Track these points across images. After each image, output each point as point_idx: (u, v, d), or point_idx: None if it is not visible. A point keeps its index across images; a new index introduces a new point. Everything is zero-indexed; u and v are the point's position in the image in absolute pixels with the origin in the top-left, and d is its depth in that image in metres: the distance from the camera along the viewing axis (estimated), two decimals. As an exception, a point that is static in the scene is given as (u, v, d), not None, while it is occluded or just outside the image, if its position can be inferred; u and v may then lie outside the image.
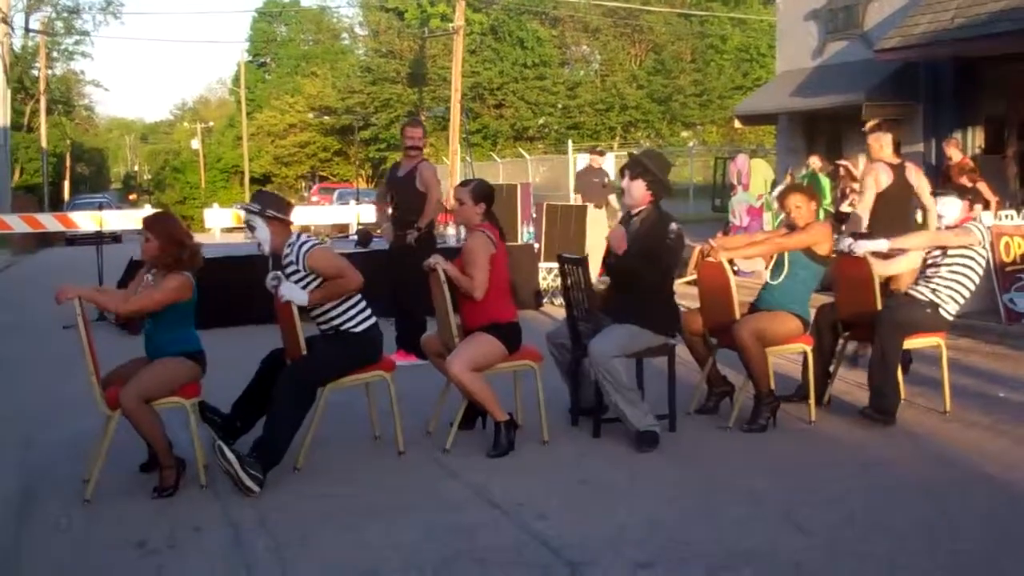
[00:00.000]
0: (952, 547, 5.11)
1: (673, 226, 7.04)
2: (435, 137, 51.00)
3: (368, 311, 6.83)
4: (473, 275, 6.96)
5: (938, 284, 7.57)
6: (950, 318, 7.60)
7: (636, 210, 7.20)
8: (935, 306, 7.52)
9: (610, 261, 7.26)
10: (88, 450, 6.49)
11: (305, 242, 6.64)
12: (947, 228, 7.74)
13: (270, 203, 6.76)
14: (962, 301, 7.60)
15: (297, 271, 6.59)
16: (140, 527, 5.62)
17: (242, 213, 6.78)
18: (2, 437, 7.73)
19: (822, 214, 15.54)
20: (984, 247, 7.65)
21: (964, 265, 7.54)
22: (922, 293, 7.60)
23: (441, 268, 6.96)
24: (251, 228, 6.71)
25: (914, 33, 16.69)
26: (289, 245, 6.63)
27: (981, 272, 7.67)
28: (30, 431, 7.84)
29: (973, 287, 7.64)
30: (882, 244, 7.64)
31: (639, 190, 7.15)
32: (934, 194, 8.27)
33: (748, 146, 40.83)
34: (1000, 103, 17.47)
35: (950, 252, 7.57)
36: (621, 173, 7.36)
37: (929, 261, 7.74)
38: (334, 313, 6.70)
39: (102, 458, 6.17)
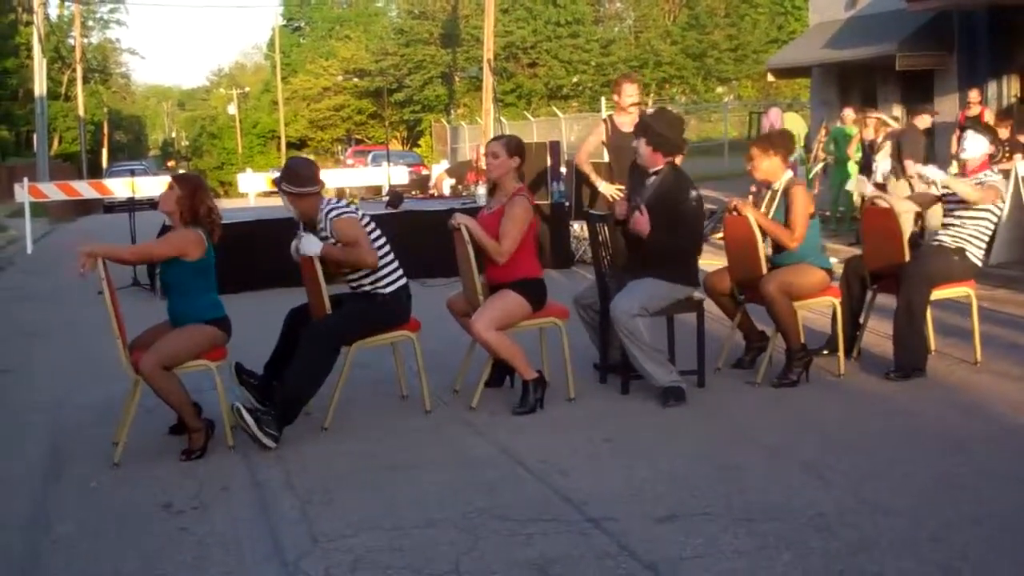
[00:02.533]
0: (979, 501, 5.07)
1: (693, 193, 7.00)
2: (469, 97, 50.90)
3: (400, 272, 6.85)
4: (503, 241, 6.93)
5: (961, 231, 7.49)
6: (979, 263, 7.53)
7: (653, 169, 7.16)
8: (962, 252, 7.45)
9: (629, 232, 7.16)
10: (118, 413, 6.56)
11: (335, 207, 6.67)
12: (967, 163, 7.63)
13: (289, 178, 6.72)
14: (984, 247, 7.52)
15: (327, 236, 6.64)
16: (167, 488, 5.69)
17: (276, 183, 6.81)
18: (35, 400, 7.84)
19: (853, 166, 15.42)
20: (1003, 200, 7.58)
21: (984, 216, 7.46)
22: (947, 241, 7.54)
23: (465, 227, 6.95)
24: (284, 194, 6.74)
25: (947, -18, 16.50)
26: (321, 210, 6.66)
27: (996, 220, 7.63)
28: (62, 394, 7.94)
29: (991, 235, 7.58)
30: (939, 175, 7.55)
31: (645, 150, 7.12)
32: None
33: (783, 100, 40.55)
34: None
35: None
36: (635, 133, 7.32)
37: (949, 208, 7.66)
38: (366, 271, 6.73)
39: (130, 421, 6.25)
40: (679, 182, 7.05)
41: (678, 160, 7.30)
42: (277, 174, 6.77)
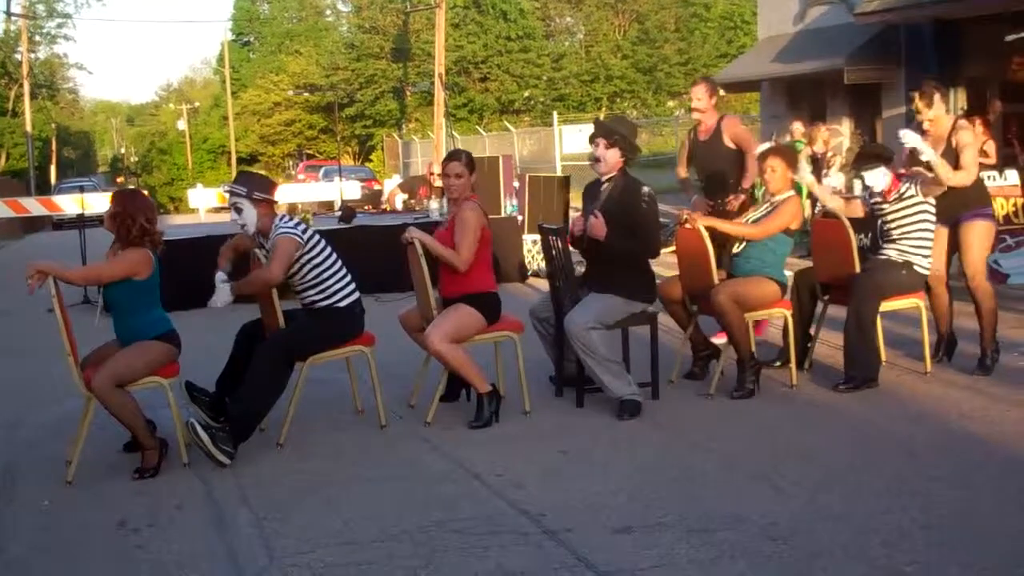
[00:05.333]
0: (929, 506, 5.14)
1: (645, 189, 7.04)
2: (421, 112, 50.85)
3: (352, 286, 6.84)
4: (460, 248, 6.93)
5: (905, 243, 7.57)
6: (926, 273, 7.62)
7: (606, 177, 7.20)
8: (909, 265, 7.54)
9: (584, 242, 7.18)
10: (71, 431, 6.50)
11: (285, 224, 6.65)
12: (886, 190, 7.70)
13: (255, 184, 6.74)
14: (929, 256, 7.60)
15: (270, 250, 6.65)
16: (121, 506, 5.65)
17: (228, 195, 6.77)
18: (-14, 421, 7.75)
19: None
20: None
21: (924, 219, 7.54)
22: (893, 255, 7.61)
23: (418, 241, 6.96)
24: (237, 210, 6.67)
25: (894, -4, 16.69)
26: (276, 225, 6.65)
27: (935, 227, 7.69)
28: (15, 413, 7.85)
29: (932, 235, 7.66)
30: (932, 155, 7.51)
31: (615, 157, 7.14)
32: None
33: (734, 114, 40.80)
34: (981, 65, 17.44)
35: (905, 206, 7.55)
36: (591, 141, 7.31)
37: (882, 219, 7.74)
38: (317, 288, 6.72)
39: (83, 439, 6.20)
40: (630, 184, 7.10)
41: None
42: (231, 187, 6.71)
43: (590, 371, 6.99)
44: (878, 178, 7.60)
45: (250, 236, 6.80)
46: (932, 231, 7.57)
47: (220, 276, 6.68)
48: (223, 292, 6.58)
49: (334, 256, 6.80)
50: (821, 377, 7.74)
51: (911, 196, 7.51)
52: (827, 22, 20.04)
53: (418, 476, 5.97)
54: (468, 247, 6.94)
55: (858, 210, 7.90)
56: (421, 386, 7.46)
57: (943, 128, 7.75)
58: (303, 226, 6.71)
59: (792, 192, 7.65)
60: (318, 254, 6.70)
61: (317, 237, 6.78)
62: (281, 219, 6.71)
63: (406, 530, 5.09)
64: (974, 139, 7.80)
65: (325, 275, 6.72)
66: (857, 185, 7.86)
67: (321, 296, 6.73)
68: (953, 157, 7.59)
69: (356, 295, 6.85)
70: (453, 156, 7.26)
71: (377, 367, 6.96)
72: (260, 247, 6.79)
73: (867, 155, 7.72)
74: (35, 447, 6.95)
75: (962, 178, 7.54)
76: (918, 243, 7.53)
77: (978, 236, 7.75)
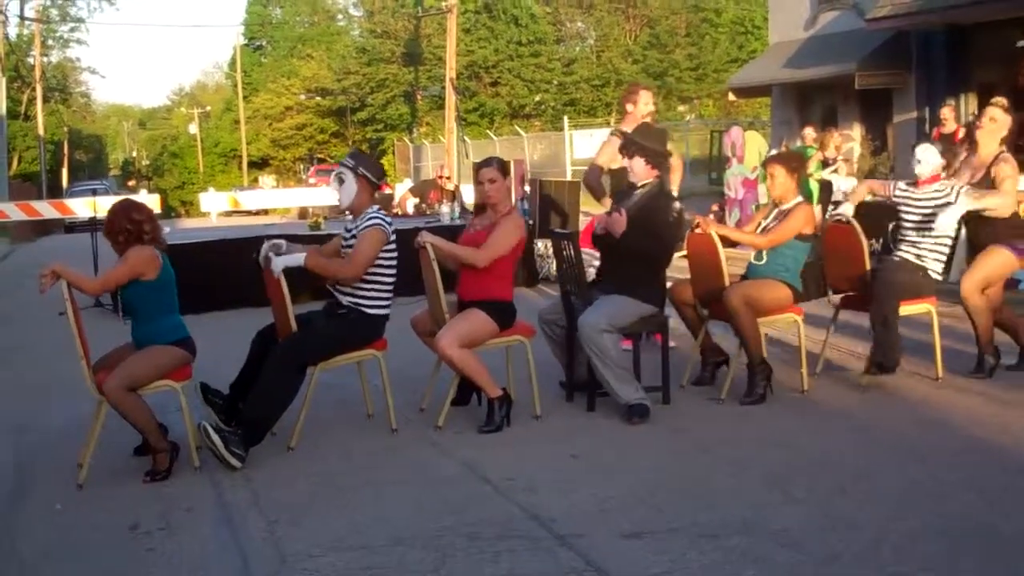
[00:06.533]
0: (941, 512, 5.13)
1: (676, 205, 7.12)
2: (432, 116, 50.89)
3: (389, 301, 6.90)
4: (485, 248, 6.97)
5: (921, 247, 7.57)
6: (938, 278, 7.60)
7: (641, 183, 7.25)
8: (924, 270, 7.53)
9: (605, 240, 7.22)
10: (83, 434, 6.52)
11: (379, 216, 6.73)
12: (919, 177, 7.69)
13: (366, 163, 6.89)
14: (943, 262, 7.59)
15: (352, 238, 6.78)
16: (133, 510, 5.65)
17: (337, 167, 6.90)
18: (-2, 423, 7.78)
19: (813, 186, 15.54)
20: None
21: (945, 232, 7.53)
22: (910, 257, 7.61)
23: (430, 245, 6.97)
24: (340, 180, 6.79)
25: (905, 1, 16.67)
26: (366, 213, 6.75)
27: (954, 237, 7.65)
28: (26, 416, 7.88)
29: (950, 251, 7.63)
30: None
31: (640, 166, 7.22)
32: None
33: (744, 119, 40.78)
34: (992, 70, 17.44)
35: (933, 204, 7.53)
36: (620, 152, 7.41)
37: (904, 213, 7.72)
38: (365, 287, 6.76)
39: (95, 442, 6.21)
40: (664, 196, 7.21)
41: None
42: (344, 160, 6.90)
43: (599, 374, 6.99)
44: (929, 156, 7.60)
45: (342, 210, 6.98)
46: (950, 241, 7.54)
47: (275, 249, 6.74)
48: (292, 256, 6.60)
49: (395, 264, 6.86)
50: (833, 382, 7.73)
51: (944, 197, 7.48)
52: (838, 27, 20.04)
53: (429, 480, 5.97)
54: (494, 250, 6.98)
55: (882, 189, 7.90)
56: (432, 390, 7.47)
57: (987, 155, 7.70)
58: (388, 221, 6.76)
59: (799, 199, 7.62)
60: (389, 255, 6.80)
61: (393, 240, 6.83)
62: (377, 210, 6.78)
63: (417, 534, 5.10)
64: (1015, 172, 7.68)
65: (379, 279, 6.77)
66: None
67: (361, 297, 6.74)
68: (989, 187, 7.54)
69: (388, 310, 6.89)
70: (484, 163, 7.33)
71: (388, 371, 6.96)
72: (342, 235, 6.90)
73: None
74: (47, 450, 6.97)
75: (996, 204, 7.47)
76: (934, 247, 7.52)
77: (992, 262, 7.64)
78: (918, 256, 7.56)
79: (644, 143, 7.27)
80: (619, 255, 7.11)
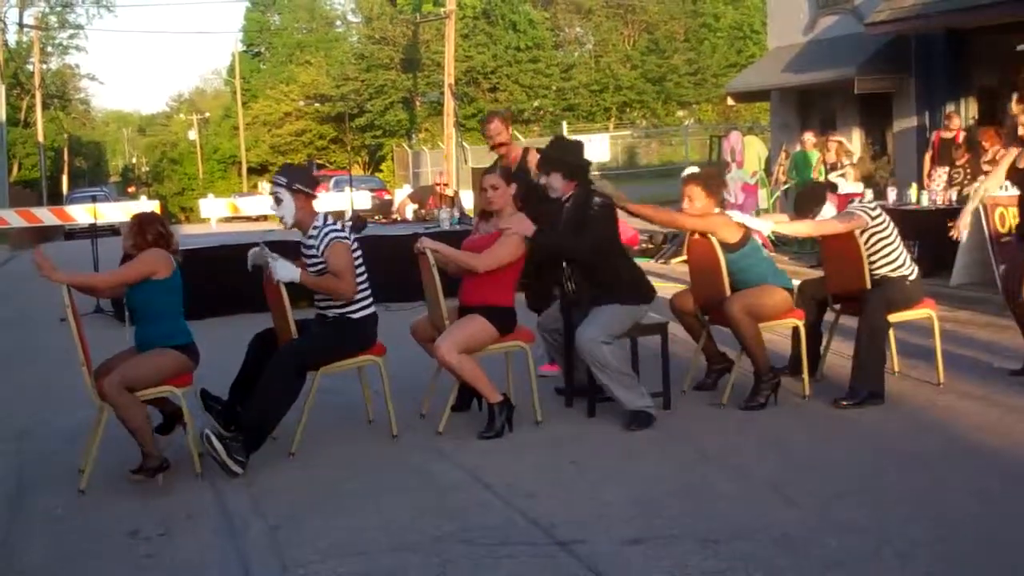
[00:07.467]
0: (943, 518, 5.13)
1: (597, 200, 7.05)
2: (430, 122, 50.91)
3: (370, 300, 6.84)
4: (485, 255, 6.96)
5: (886, 262, 7.52)
6: (915, 276, 7.57)
7: (566, 197, 7.18)
8: (904, 277, 7.50)
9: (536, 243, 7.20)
10: (84, 440, 6.52)
11: (332, 229, 6.66)
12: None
13: (297, 176, 6.80)
14: (905, 259, 7.57)
15: (315, 255, 6.64)
16: (133, 516, 5.65)
17: (268, 187, 6.85)
18: (-2, 429, 7.78)
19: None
20: (877, 222, 7.54)
21: (882, 239, 7.49)
22: (886, 272, 7.55)
23: (430, 251, 6.97)
24: (277, 201, 6.73)
25: (904, 5, 16.69)
26: (316, 227, 6.67)
27: (889, 234, 7.57)
28: (27, 422, 7.87)
29: (898, 245, 7.59)
30: (765, 226, 7.75)
31: (558, 182, 7.16)
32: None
33: (743, 124, 40.85)
34: (992, 74, 17.42)
35: (867, 233, 7.49)
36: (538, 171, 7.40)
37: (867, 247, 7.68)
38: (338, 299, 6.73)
39: (96, 448, 6.20)
40: (586, 196, 7.10)
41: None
42: (274, 177, 6.82)
43: (603, 385, 6.98)
44: (827, 215, 7.70)
45: (288, 228, 6.85)
46: (891, 241, 7.52)
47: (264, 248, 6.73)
48: (287, 268, 6.55)
49: (363, 268, 6.82)
50: (834, 388, 7.72)
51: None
52: (837, 32, 20.03)
53: (429, 486, 5.97)
54: (493, 258, 6.95)
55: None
56: (432, 396, 7.46)
57: None
58: (345, 232, 6.73)
59: (717, 210, 7.64)
60: (356, 258, 6.74)
61: (356, 244, 6.80)
62: (325, 221, 6.73)
63: (418, 540, 5.10)
64: None
65: (357, 284, 6.74)
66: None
67: (339, 305, 6.72)
68: None
69: (373, 309, 6.86)
70: (487, 170, 7.35)
71: (389, 377, 6.95)
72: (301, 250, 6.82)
73: (807, 199, 7.80)
74: (48, 455, 6.97)
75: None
76: (889, 256, 7.49)
77: None
78: (894, 269, 7.51)
79: (562, 156, 7.22)
80: (582, 270, 7.12)
